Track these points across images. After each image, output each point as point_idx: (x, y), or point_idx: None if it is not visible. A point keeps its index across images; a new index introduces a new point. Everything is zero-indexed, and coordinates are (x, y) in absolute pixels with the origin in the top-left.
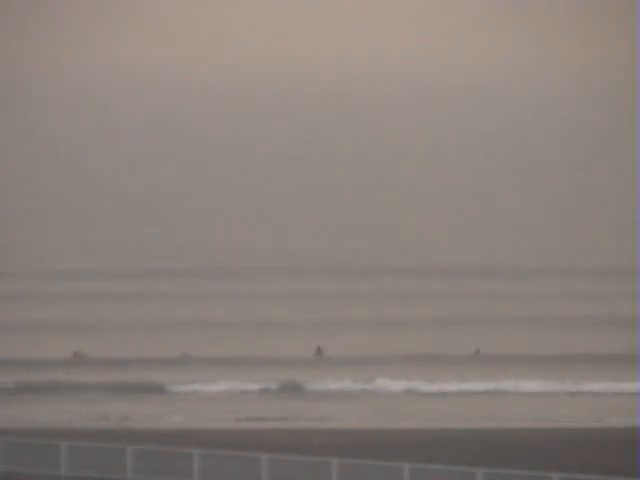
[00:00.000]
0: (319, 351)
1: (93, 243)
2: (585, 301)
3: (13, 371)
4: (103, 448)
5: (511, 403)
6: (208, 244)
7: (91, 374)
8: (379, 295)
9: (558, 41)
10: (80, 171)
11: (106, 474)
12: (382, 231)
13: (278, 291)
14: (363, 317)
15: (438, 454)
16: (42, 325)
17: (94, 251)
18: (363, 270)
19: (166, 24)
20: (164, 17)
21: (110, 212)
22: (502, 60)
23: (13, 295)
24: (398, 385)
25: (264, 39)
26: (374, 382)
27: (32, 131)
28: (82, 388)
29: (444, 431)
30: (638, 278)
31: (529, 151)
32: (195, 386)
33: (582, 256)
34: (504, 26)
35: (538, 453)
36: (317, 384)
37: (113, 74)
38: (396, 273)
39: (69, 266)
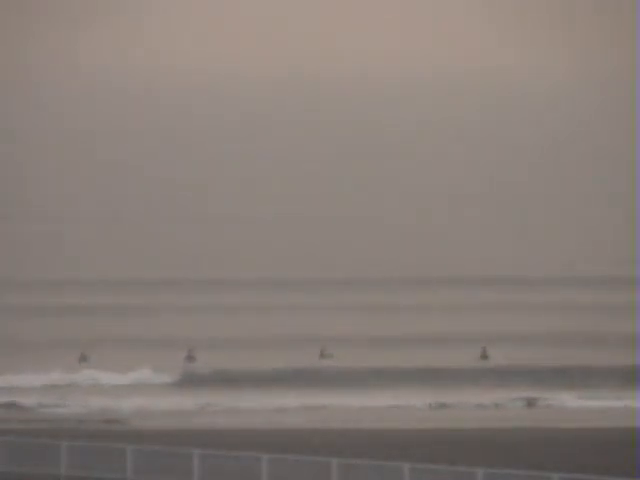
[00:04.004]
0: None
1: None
2: None
3: None
4: (103, 448)
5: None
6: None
7: None
8: None
9: None
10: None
11: (106, 474)
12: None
13: None
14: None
15: (438, 454)
16: None
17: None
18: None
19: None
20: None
21: None
22: None
23: None
24: None
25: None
26: None
27: None
28: None
29: (444, 431)
30: None
31: None
32: None
33: None
34: None
35: (538, 453)
36: None
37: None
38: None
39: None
